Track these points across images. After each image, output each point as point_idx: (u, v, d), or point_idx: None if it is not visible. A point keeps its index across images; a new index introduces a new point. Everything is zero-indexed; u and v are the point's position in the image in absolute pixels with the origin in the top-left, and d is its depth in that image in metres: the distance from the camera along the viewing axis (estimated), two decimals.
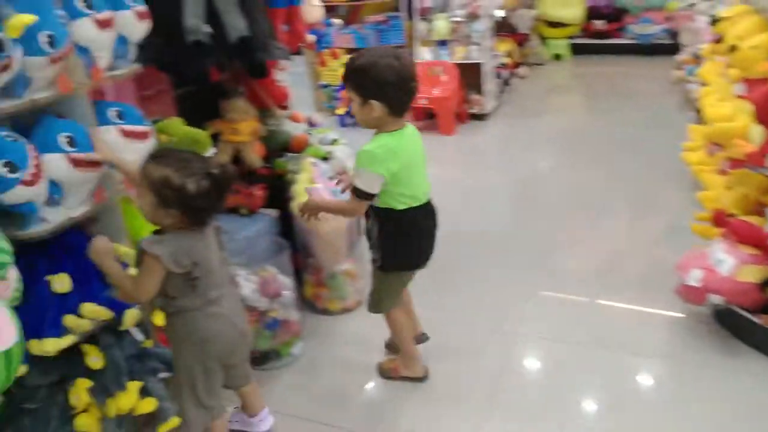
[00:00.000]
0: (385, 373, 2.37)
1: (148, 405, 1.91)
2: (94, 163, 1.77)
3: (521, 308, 2.78)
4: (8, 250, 1.42)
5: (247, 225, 2.65)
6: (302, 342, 2.56)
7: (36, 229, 1.68)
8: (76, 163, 1.72)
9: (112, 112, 1.95)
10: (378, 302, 2.24)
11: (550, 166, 4.58)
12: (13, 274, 1.54)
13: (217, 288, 1.77)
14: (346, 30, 6.17)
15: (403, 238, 2.06)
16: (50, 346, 1.67)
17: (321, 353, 2.56)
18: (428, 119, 5.62)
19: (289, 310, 2.40)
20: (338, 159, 2.92)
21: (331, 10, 6.39)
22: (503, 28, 6.54)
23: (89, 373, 1.86)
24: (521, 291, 2.90)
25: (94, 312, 1.74)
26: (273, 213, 2.80)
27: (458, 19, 5.46)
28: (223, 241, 1.87)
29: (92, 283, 1.80)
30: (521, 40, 7.14)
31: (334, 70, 5.83)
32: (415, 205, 2.02)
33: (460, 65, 5.41)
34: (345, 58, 6.15)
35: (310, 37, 3.00)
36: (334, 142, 3.15)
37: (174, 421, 1.94)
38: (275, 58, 2.66)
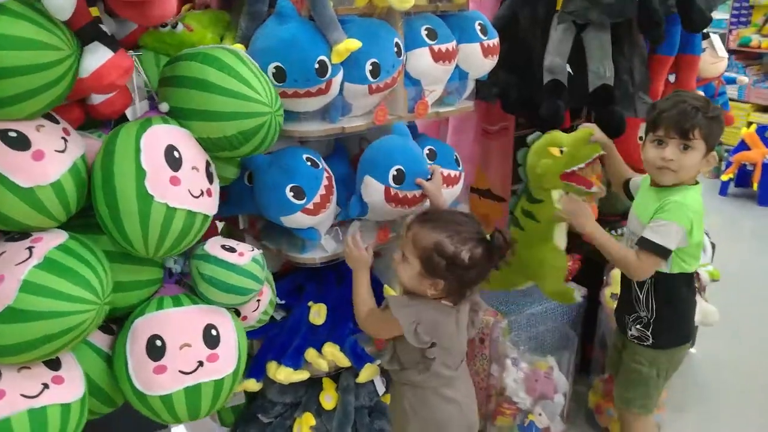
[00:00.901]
0: None
1: None
2: (411, 201, 1.65)
3: None
4: (260, 278, 1.37)
5: (541, 298, 2.27)
6: None
7: (311, 256, 1.63)
8: (392, 198, 1.62)
9: (425, 151, 1.79)
10: (647, 396, 1.81)
11: None
12: (266, 298, 1.51)
13: (452, 369, 1.49)
14: (765, 83, 5.06)
15: (684, 303, 1.78)
16: (283, 375, 1.62)
17: None
18: None
19: (555, 418, 1.97)
20: None
21: (751, 57, 5.32)
22: None
23: (319, 409, 1.79)
24: None
25: (334, 355, 1.63)
26: (581, 292, 2.35)
27: None
28: (477, 319, 1.57)
29: (346, 322, 1.70)
30: None
31: (735, 129, 4.87)
32: (696, 264, 1.73)
33: None
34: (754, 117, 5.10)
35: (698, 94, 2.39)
36: None
37: None
38: (638, 116, 2.17)
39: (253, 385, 1.68)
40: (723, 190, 4.90)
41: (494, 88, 2.16)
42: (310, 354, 1.64)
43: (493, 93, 2.18)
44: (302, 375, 1.65)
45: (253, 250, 1.41)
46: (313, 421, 1.78)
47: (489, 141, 2.65)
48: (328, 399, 1.78)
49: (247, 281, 1.34)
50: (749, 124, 5.00)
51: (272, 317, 1.81)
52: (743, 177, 4.81)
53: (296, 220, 1.52)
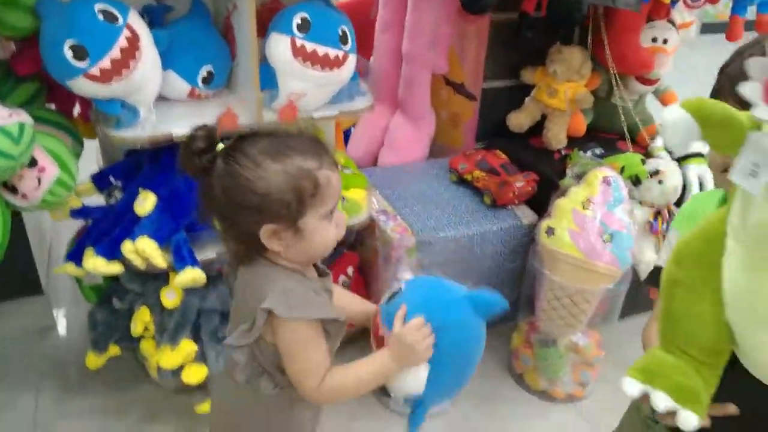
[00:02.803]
0: None
1: (195, 375, 1.59)
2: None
3: None
4: (9, 153, 1.14)
5: (476, 221, 1.90)
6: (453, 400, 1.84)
7: (127, 135, 1.36)
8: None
9: (296, 19, 1.41)
10: None
11: None
12: (51, 176, 1.29)
13: None
14: None
15: None
16: (92, 265, 1.42)
17: (468, 424, 1.80)
18: None
19: None
20: (659, 191, 1.81)
21: None
22: None
23: (159, 305, 1.61)
24: None
25: (146, 252, 1.40)
26: (529, 217, 1.96)
27: None
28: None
29: (174, 218, 1.46)
30: None
31: None
32: None
33: None
34: None
35: None
36: (689, 159, 1.99)
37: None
38: (609, 3, 1.63)
39: (73, 269, 1.51)
40: None
41: None
42: (126, 246, 1.42)
43: None
44: (113, 268, 1.44)
45: (11, 116, 1.17)
46: (148, 317, 1.61)
47: (466, 24, 2.19)
48: (171, 296, 1.58)
49: None
50: None
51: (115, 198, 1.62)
52: None
53: (82, 86, 1.24)
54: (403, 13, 2.17)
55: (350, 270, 1.91)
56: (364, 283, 1.95)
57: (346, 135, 2.43)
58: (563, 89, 2.05)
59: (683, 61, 2.08)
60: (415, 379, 0.97)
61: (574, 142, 2.13)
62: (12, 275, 1.96)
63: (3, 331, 1.98)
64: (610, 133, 2.22)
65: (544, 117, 2.16)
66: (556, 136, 2.11)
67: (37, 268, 2.04)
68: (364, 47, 2.23)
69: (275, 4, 1.55)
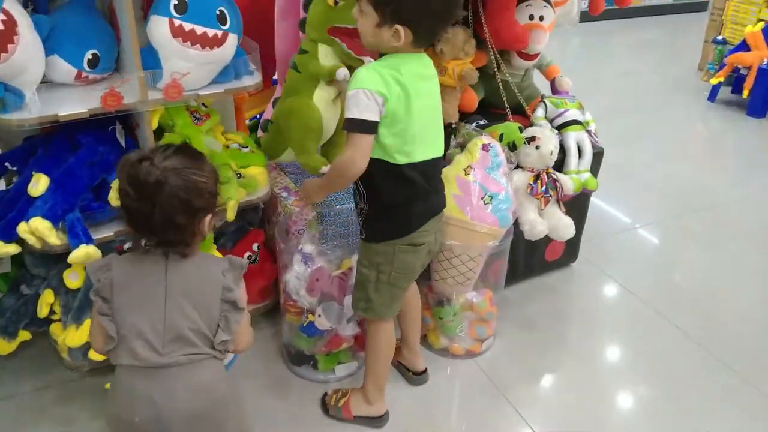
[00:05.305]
0: (332, 409, 1.78)
1: None
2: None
3: None
4: None
5: None
6: (359, 363, 1.95)
7: (10, 117, 1.42)
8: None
9: (173, 0, 1.49)
10: (366, 299, 1.63)
11: None
12: None
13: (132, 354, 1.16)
14: None
15: (390, 196, 1.51)
16: None
17: None
18: None
19: (341, 321, 1.79)
20: (537, 156, 1.98)
21: None
22: None
23: (64, 287, 1.66)
24: None
25: (39, 231, 1.46)
26: None
27: None
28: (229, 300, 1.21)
29: (67, 197, 1.52)
30: None
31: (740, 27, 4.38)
32: (403, 156, 1.45)
33: None
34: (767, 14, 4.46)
35: None
36: (567, 126, 2.16)
37: None
38: None
39: None
40: (712, 95, 4.38)
41: None
42: (21, 228, 1.48)
43: None
44: (10, 248, 1.49)
45: None
46: (52, 298, 1.66)
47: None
48: (73, 277, 1.65)
49: None
50: (759, 21, 4.35)
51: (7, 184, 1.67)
52: (739, 83, 4.26)
53: None
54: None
55: (255, 246, 2.00)
56: (270, 258, 2.04)
57: (256, 120, 2.51)
58: (451, 67, 2.19)
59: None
60: None
61: (466, 117, 2.28)
62: None
63: None
64: (503, 109, 2.37)
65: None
66: (447, 112, 2.23)
67: None
68: (269, 34, 2.33)
69: None
